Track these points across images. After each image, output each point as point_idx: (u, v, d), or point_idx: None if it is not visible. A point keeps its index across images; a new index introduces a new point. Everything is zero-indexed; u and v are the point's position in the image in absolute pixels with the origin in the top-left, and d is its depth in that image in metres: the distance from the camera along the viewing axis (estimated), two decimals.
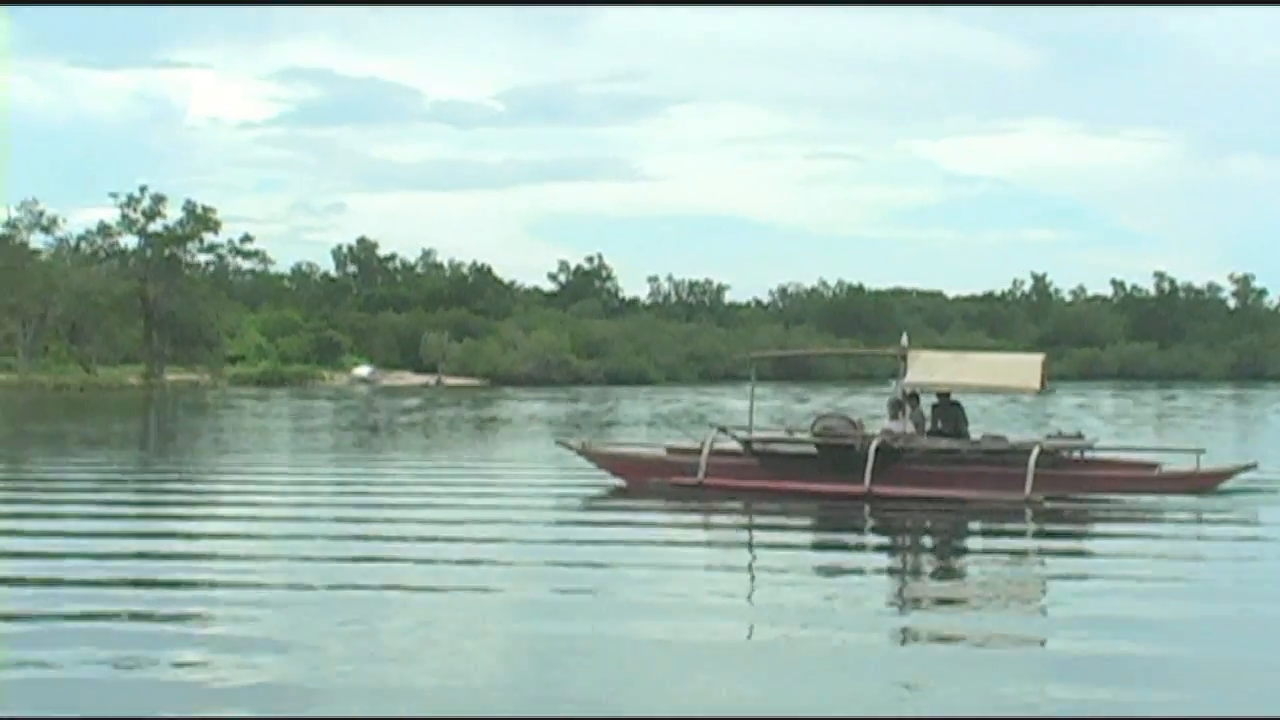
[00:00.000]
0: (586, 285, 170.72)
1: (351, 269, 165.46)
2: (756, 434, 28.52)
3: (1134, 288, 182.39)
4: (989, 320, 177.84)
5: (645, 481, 26.78)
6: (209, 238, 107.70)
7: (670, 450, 28.43)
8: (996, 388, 29.70)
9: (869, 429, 27.00)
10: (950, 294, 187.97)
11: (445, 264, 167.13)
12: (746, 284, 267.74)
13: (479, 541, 19.35)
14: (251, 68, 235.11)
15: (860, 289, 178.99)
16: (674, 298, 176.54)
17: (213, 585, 16.19)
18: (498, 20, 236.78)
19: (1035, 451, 25.30)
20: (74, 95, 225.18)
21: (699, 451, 26.95)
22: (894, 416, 27.30)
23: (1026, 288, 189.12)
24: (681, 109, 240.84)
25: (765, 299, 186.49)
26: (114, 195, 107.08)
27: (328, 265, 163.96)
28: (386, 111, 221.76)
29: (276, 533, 20.85)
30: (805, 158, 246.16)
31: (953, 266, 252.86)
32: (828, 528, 23.11)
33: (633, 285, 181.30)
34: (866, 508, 24.14)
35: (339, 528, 21.36)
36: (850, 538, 22.49)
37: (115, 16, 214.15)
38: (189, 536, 20.68)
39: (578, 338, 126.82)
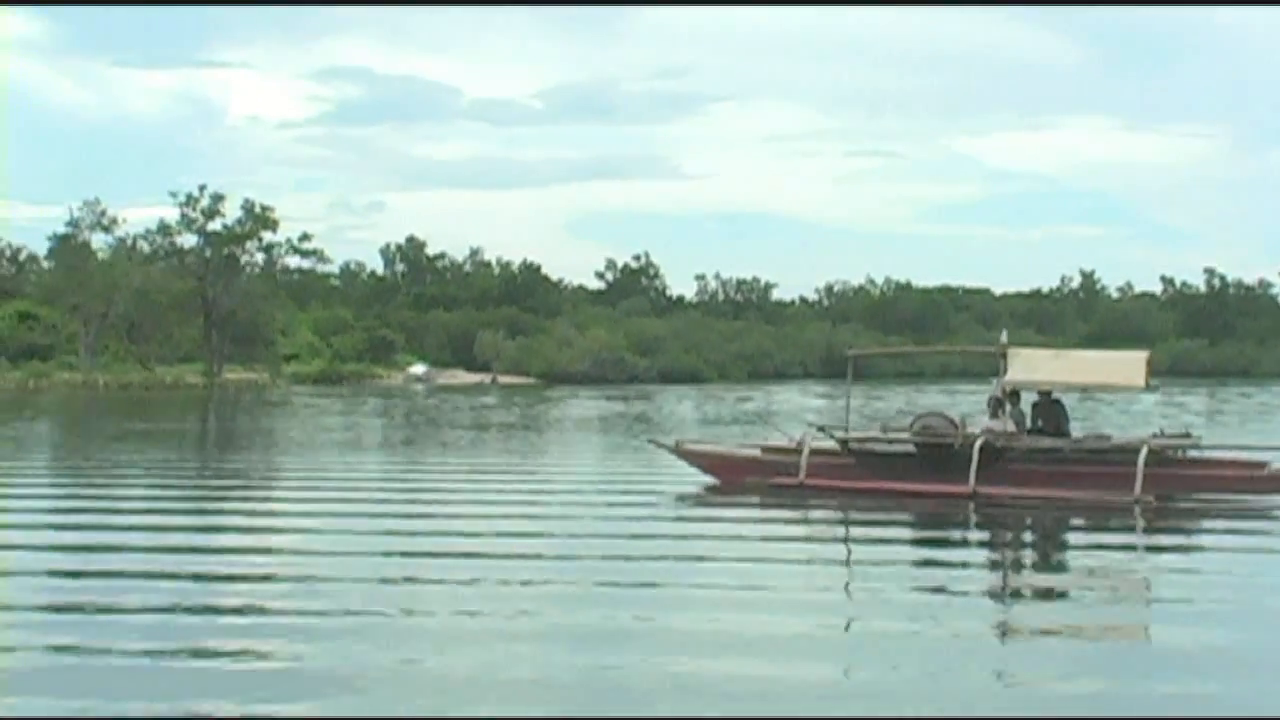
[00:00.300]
0: (634, 283, 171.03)
1: (400, 268, 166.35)
2: (853, 433, 28.52)
3: (1184, 284, 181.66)
4: (1037, 317, 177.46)
5: (740, 481, 26.79)
6: (267, 236, 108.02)
7: (765, 449, 28.41)
8: (1100, 385, 29.54)
9: (970, 428, 26.80)
10: (997, 291, 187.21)
11: (493, 262, 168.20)
12: (788, 282, 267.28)
13: (576, 537, 19.55)
14: (292, 67, 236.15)
15: (908, 286, 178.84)
16: (721, 296, 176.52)
17: (303, 579, 16.19)
18: (537, 18, 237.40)
19: (1144, 451, 25.23)
20: (116, 95, 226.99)
21: (794, 451, 27.00)
22: (994, 415, 27.21)
23: (1074, 284, 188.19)
24: (721, 106, 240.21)
25: (811, 297, 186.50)
26: (173, 194, 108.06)
27: (370, 263, 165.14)
28: (426, 110, 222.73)
29: (375, 529, 20.88)
30: (845, 155, 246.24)
31: (994, 263, 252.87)
32: (933, 527, 22.97)
33: (678, 283, 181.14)
34: (972, 507, 24.04)
35: (438, 523, 21.48)
36: (956, 537, 22.34)
37: (157, 16, 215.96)
38: (277, 531, 21.02)
39: (631, 336, 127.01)
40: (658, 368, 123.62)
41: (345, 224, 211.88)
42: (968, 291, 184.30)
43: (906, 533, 22.40)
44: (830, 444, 27.78)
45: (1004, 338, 28.59)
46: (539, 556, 17.71)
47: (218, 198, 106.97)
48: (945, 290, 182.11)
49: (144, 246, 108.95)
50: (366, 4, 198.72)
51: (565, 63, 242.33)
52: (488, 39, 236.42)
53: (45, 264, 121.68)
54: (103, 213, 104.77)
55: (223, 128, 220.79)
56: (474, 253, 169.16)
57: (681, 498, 25.55)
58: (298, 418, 57.78)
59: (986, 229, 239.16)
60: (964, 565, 18.91)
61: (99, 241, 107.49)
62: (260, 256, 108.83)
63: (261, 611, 14.09)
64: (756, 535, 20.65)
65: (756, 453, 28.57)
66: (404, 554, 18.33)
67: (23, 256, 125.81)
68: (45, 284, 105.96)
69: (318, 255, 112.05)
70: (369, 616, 13.79)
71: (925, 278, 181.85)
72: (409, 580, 16.19)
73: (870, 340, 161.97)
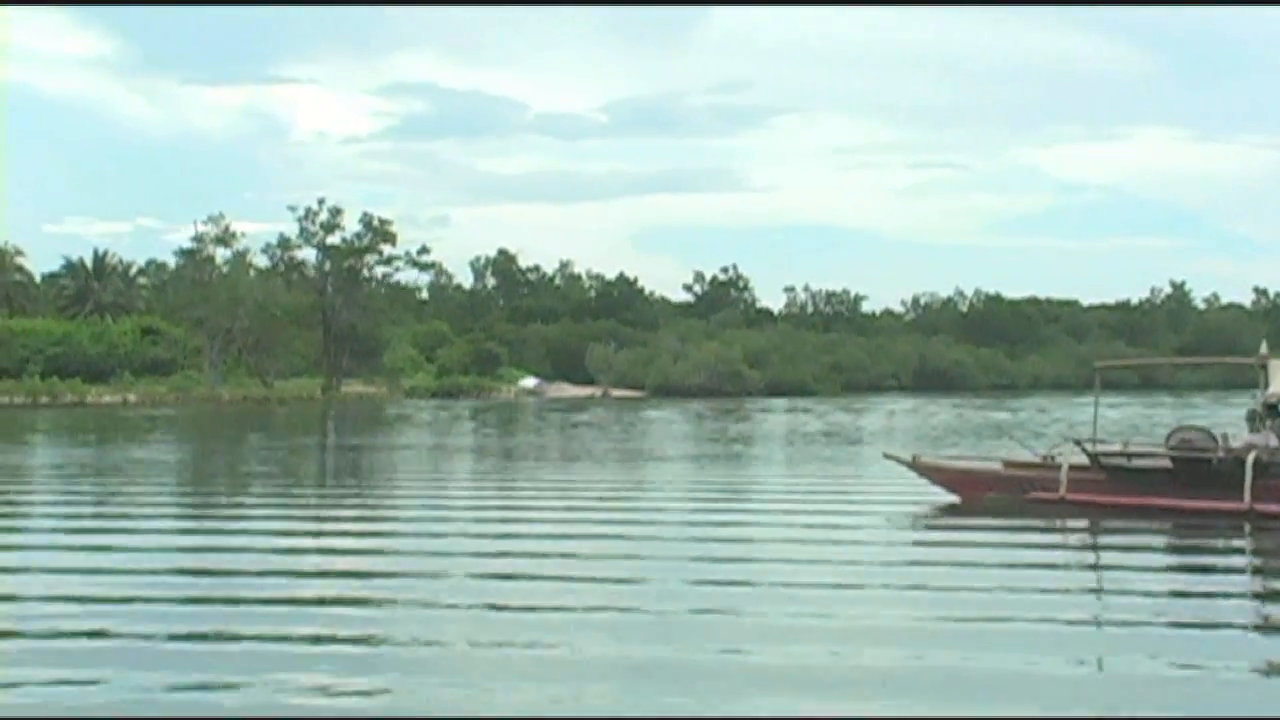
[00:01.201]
0: (723, 296, 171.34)
1: (491, 281, 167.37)
2: (1102, 447, 27.29)
3: (1278, 295, 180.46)
4: (1128, 329, 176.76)
5: (980, 496, 26.04)
6: (386, 249, 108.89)
7: (1007, 464, 27.61)
8: None
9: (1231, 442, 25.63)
10: (1085, 302, 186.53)
11: (584, 275, 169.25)
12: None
13: (818, 563, 17.98)
14: (358, 82, 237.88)
15: (998, 298, 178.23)
16: (810, 308, 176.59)
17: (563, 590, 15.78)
18: (602, 32, 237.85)
19: None
20: (185, 112, 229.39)
21: (1040, 466, 26.41)
22: (1254, 429, 26.12)
23: (1163, 296, 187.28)
24: (786, 119, 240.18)
25: (897, 309, 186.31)
26: (291, 208, 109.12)
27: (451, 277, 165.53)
28: (490, 124, 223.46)
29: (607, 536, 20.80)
30: (910, 167, 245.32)
31: (1063, 275, 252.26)
32: (1213, 550, 21.31)
33: (762, 296, 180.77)
34: (1248, 526, 22.90)
35: (689, 546, 19.89)
36: (1239, 562, 20.53)
37: (226, 34, 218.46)
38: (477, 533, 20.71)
39: (748, 349, 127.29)
40: (764, 381, 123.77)
41: (411, 238, 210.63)
42: (1056, 303, 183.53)
43: (1184, 555, 20.99)
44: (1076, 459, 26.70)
45: (1264, 348, 27.56)
46: (789, 584, 16.30)
47: (336, 211, 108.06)
48: (1033, 302, 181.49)
49: (262, 261, 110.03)
50: (431, 3, 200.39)
51: (630, 76, 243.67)
52: (552, 53, 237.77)
53: (142, 279, 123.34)
54: (227, 228, 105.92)
55: (289, 143, 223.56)
56: (563, 265, 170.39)
57: (920, 517, 24.60)
58: (450, 432, 57.96)
59: (1053, 241, 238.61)
60: (1258, 596, 17.14)
61: (219, 256, 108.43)
62: (379, 270, 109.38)
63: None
64: (1015, 561, 18.93)
65: (998, 467, 27.71)
66: (677, 579, 16.69)
67: (133, 272, 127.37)
68: (170, 299, 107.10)
69: (435, 268, 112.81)
70: (686, 647, 12.78)
71: (992, 289, 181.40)
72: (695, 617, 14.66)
73: (962, 352, 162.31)
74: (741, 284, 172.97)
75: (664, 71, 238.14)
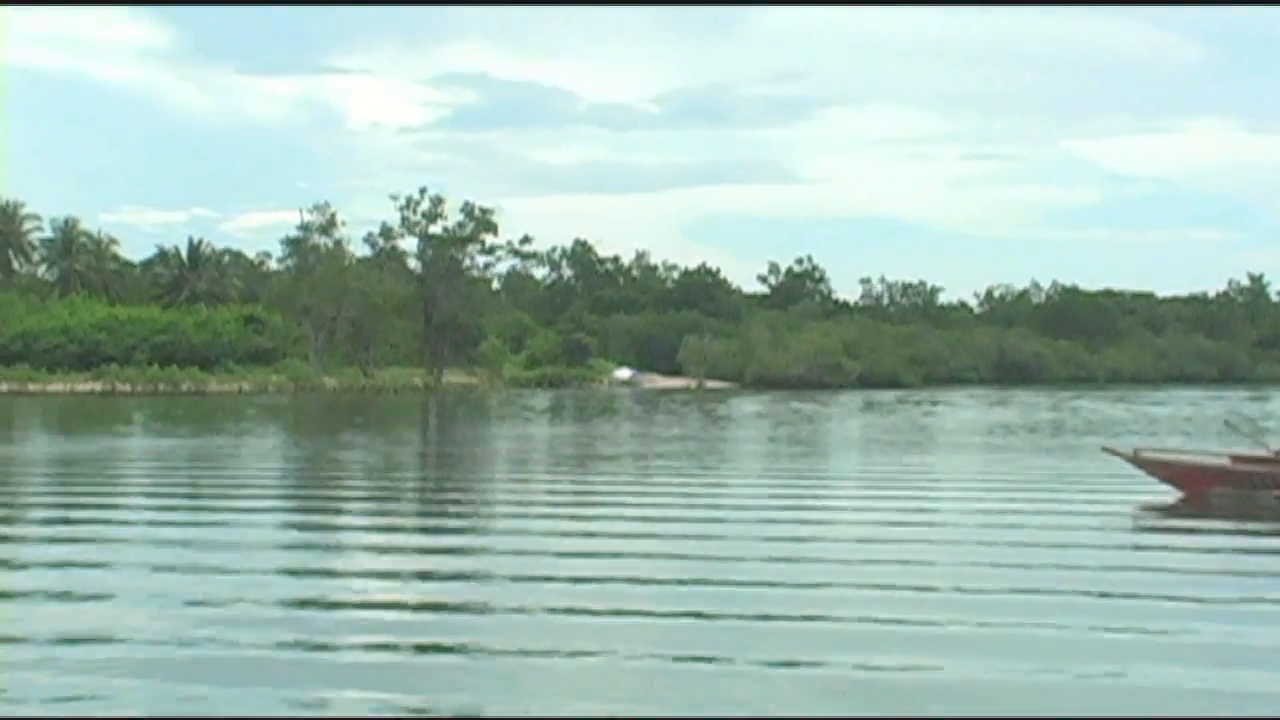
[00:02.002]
0: (799, 287, 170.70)
1: (568, 271, 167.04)
2: None
3: None
4: (1206, 321, 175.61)
5: (1206, 492, 24.88)
6: (488, 239, 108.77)
7: (1235, 459, 26.14)
8: None
9: None
10: (1161, 295, 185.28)
11: (660, 265, 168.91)
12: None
13: (1032, 568, 16.36)
14: (411, 73, 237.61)
15: (1075, 290, 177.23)
16: (886, 299, 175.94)
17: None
18: (654, 23, 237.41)
19: None
20: (239, 102, 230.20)
21: (1271, 461, 25.10)
22: None
23: (1242, 287, 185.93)
24: (837, 110, 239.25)
25: (963, 301, 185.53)
26: (393, 197, 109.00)
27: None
28: (542, 114, 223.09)
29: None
30: (961, 158, 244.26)
31: (1115, 267, 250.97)
32: None
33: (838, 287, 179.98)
34: None
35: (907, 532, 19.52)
36: None
37: (279, 23, 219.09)
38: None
39: (847, 340, 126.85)
40: (858, 373, 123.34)
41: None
42: (1133, 295, 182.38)
43: None
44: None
45: None
46: (1002, 592, 14.83)
47: (438, 200, 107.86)
48: (1108, 294, 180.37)
49: (363, 250, 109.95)
50: (484, 3, 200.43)
51: (681, 67, 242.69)
52: (604, 44, 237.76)
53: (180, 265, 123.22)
54: (333, 216, 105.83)
55: (343, 133, 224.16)
56: (639, 255, 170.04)
57: (1144, 512, 23.21)
58: (602, 422, 57.60)
59: (1105, 233, 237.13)
60: None
61: (323, 245, 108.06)
62: (481, 259, 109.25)
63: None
64: (1263, 568, 17.19)
65: (1225, 462, 26.22)
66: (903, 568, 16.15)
67: (225, 261, 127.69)
68: (275, 287, 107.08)
69: (536, 258, 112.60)
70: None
71: (1045, 280, 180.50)
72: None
73: (1040, 345, 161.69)
74: (817, 275, 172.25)
75: (715, 62, 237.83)
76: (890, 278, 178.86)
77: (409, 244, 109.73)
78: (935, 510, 22.76)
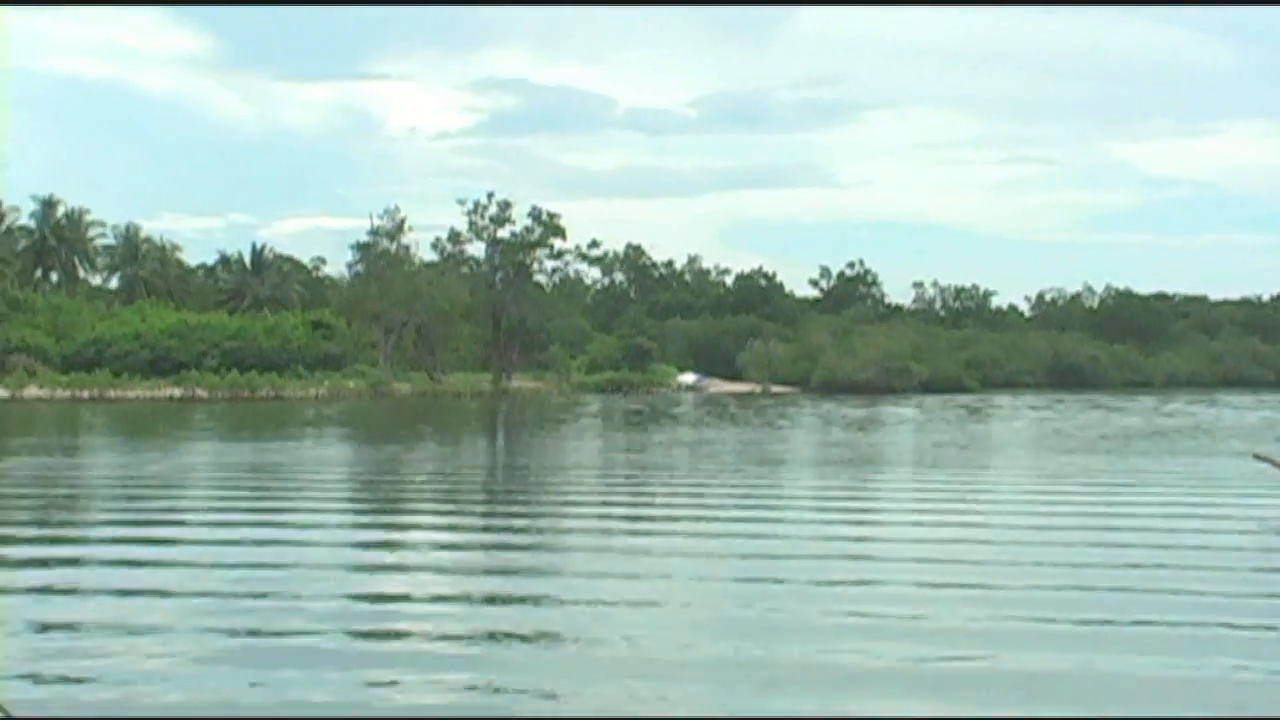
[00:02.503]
0: (851, 291, 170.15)
1: (619, 276, 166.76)
2: None
3: None
4: (1260, 326, 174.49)
5: None
6: (556, 244, 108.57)
7: None
8: None
9: None
10: (1214, 298, 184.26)
11: (712, 270, 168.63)
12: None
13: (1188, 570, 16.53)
14: (449, 78, 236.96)
15: (1128, 294, 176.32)
16: (939, 303, 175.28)
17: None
18: (691, 27, 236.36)
19: None
20: (277, 108, 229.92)
21: None
22: None
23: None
24: (874, 114, 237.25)
25: (1019, 305, 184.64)
26: (460, 201, 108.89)
27: None
28: (580, 119, 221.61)
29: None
30: (1000, 162, 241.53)
31: (1159, 270, 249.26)
32: None
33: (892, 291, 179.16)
34: None
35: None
36: None
37: (317, 30, 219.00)
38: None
39: (917, 344, 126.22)
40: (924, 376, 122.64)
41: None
42: (1185, 299, 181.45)
43: None
44: None
45: None
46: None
47: (505, 205, 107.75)
48: (1161, 298, 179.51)
49: (430, 254, 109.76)
50: (522, 2, 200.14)
51: (718, 71, 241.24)
52: (641, 49, 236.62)
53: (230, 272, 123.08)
54: (402, 220, 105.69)
55: (381, 139, 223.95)
56: (691, 260, 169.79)
57: None
58: (694, 428, 57.34)
59: (1146, 237, 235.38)
60: None
61: (392, 250, 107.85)
62: (549, 264, 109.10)
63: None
64: None
65: None
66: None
67: (286, 268, 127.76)
68: (347, 293, 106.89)
69: (603, 262, 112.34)
70: None
71: (1092, 285, 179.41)
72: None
73: (1095, 348, 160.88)
74: (869, 279, 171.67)
75: (753, 67, 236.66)
76: (942, 282, 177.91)
77: (476, 249, 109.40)
78: (1137, 511, 23.08)
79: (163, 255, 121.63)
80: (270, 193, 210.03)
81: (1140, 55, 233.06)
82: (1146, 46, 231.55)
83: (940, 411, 73.80)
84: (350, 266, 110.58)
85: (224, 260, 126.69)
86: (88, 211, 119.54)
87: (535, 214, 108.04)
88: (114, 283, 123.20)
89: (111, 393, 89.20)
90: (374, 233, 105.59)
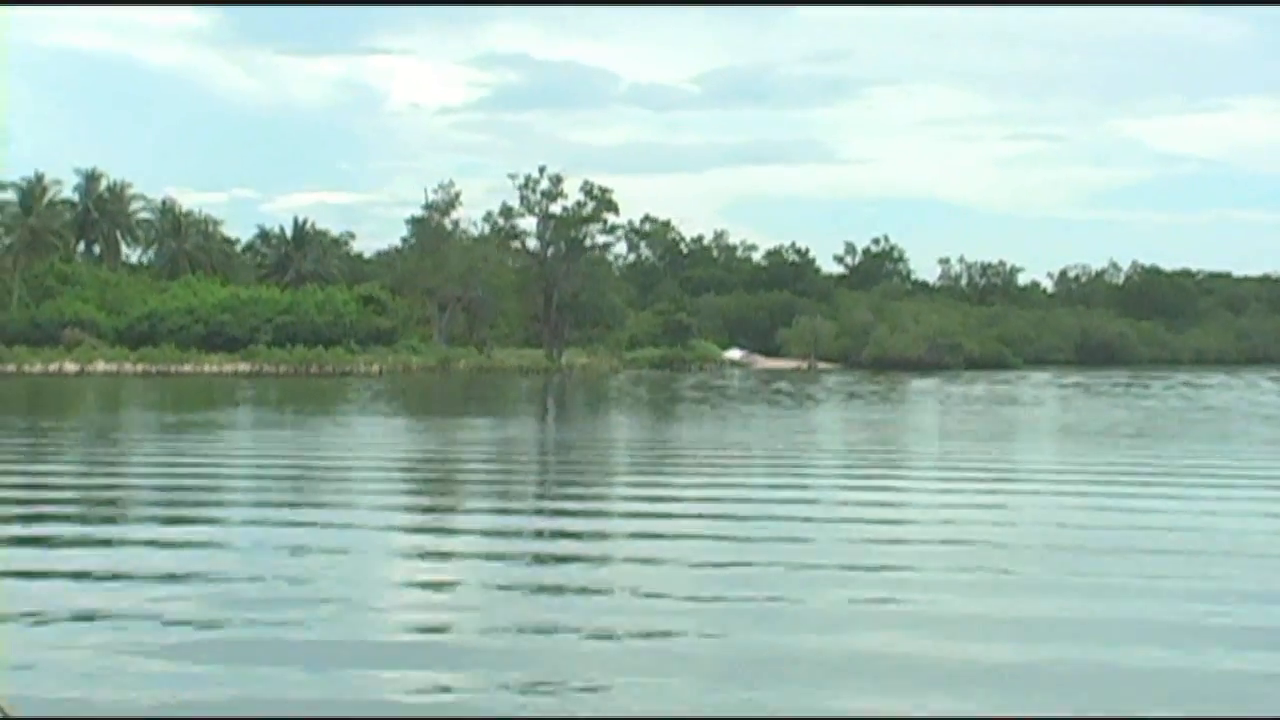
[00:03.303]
0: (877, 267, 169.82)
1: (645, 251, 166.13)
2: None
3: None
4: None
5: None
6: (610, 218, 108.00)
7: None
8: None
9: None
10: (1237, 274, 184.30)
11: (738, 245, 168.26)
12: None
13: None
14: (452, 53, 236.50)
15: (1155, 270, 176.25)
16: (965, 280, 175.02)
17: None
18: (696, 2, 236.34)
19: None
20: (281, 83, 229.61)
21: None
22: None
23: None
24: (880, 90, 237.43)
25: (1043, 281, 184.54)
26: (511, 176, 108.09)
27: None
28: (583, 95, 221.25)
29: None
30: (1007, 139, 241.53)
31: (1170, 245, 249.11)
32: None
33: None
34: None
35: None
36: None
37: (321, 4, 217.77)
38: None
39: (969, 321, 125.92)
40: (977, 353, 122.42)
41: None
42: (1210, 276, 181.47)
43: None
44: None
45: None
46: None
47: (557, 179, 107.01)
48: (1186, 274, 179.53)
49: (485, 230, 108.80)
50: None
51: (723, 47, 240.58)
52: (646, 24, 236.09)
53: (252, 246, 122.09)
54: (457, 195, 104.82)
55: (384, 114, 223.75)
56: (718, 235, 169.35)
57: None
58: (794, 407, 56.97)
59: (1155, 214, 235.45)
60: None
61: (446, 225, 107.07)
62: (601, 239, 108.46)
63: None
64: None
65: None
66: None
67: (326, 241, 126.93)
68: (401, 268, 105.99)
69: (654, 237, 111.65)
70: None
71: (1098, 262, 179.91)
72: None
73: (1124, 325, 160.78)
74: (896, 255, 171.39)
75: (758, 43, 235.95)
76: (968, 258, 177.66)
77: (527, 223, 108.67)
78: None
79: (205, 229, 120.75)
80: (273, 168, 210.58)
81: (1147, 31, 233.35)
82: (1152, 23, 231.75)
83: (1041, 389, 73.26)
84: (404, 241, 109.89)
85: (263, 234, 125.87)
86: (130, 185, 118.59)
87: (587, 189, 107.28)
88: (148, 257, 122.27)
89: (174, 368, 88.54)
90: (428, 207, 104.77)
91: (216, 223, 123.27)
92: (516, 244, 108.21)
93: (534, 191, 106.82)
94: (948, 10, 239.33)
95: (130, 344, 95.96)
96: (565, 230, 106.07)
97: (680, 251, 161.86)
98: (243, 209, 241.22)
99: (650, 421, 44.05)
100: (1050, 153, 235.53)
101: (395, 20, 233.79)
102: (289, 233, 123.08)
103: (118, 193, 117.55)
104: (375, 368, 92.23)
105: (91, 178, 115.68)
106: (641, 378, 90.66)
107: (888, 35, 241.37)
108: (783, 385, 77.05)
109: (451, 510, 20.71)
